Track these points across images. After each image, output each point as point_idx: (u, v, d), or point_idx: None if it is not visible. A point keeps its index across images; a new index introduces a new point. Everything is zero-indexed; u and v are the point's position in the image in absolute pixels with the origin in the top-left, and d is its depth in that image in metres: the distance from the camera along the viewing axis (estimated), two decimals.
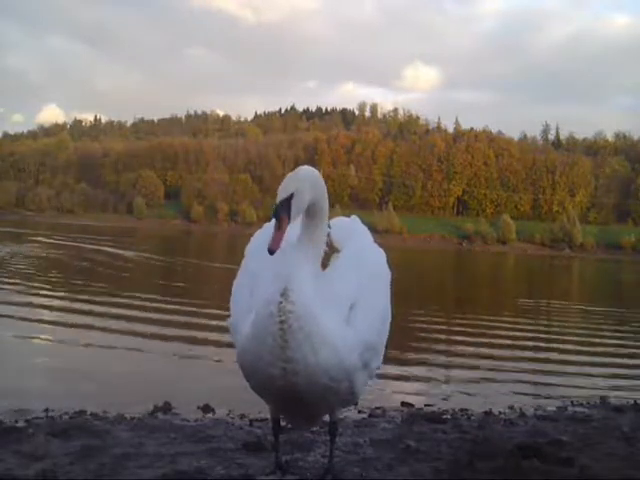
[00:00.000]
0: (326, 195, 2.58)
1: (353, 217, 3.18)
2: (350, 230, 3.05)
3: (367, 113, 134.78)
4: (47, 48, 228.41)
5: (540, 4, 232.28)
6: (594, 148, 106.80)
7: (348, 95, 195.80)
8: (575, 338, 10.75)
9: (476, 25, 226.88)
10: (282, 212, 2.38)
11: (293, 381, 2.35)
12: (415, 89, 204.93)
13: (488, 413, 5.14)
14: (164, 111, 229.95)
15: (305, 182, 2.46)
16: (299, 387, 2.37)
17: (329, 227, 2.87)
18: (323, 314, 2.42)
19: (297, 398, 2.43)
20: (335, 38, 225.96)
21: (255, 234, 3.03)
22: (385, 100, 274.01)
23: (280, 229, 2.35)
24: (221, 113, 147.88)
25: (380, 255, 2.98)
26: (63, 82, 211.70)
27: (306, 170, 2.53)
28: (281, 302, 2.34)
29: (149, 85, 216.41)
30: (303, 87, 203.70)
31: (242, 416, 4.53)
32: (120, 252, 25.50)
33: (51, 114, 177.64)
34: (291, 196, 2.40)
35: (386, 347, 2.85)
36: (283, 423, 3.00)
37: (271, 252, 2.30)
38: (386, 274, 2.93)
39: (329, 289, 2.56)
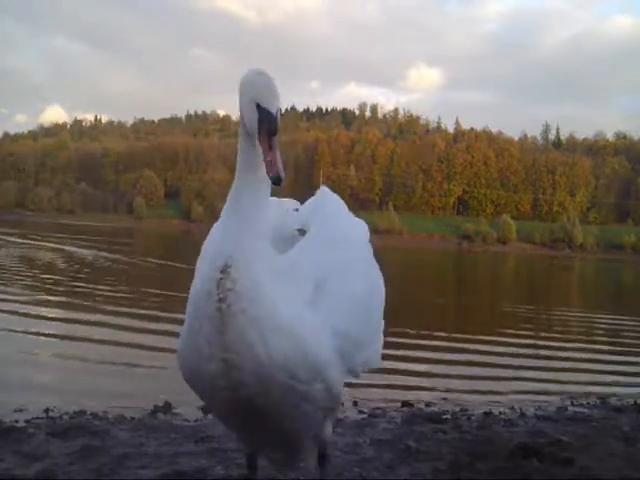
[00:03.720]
0: None
1: (321, 188, 2.63)
2: (317, 203, 2.51)
3: (367, 113, 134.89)
4: (50, 49, 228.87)
5: (542, 5, 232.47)
6: (594, 148, 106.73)
7: (350, 96, 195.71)
8: (575, 338, 10.75)
9: (478, 26, 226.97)
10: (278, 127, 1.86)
11: (238, 379, 1.84)
12: (417, 90, 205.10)
13: (488, 413, 5.14)
14: (164, 111, 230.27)
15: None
16: (248, 388, 1.85)
17: (296, 210, 2.52)
18: (277, 294, 1.91)
19: (251, 408, 1.90)
20: (338, 39, 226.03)
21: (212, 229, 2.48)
22: (388, 101, 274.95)
23: (276, 148, 1.84)
24: (221, 113, 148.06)
25: (357, 226, 2.48)
26: (66, 83, 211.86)
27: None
28: (220, 278, 1.85)
29: (150, 85, 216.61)
30: (305, 87, 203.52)
31: None
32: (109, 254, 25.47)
33: (54, 115, 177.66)
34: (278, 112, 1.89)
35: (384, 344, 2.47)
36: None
37: (279, 181, 1.81)
38: (365, 248, 2.41)
39: (288, 268, 2.06)
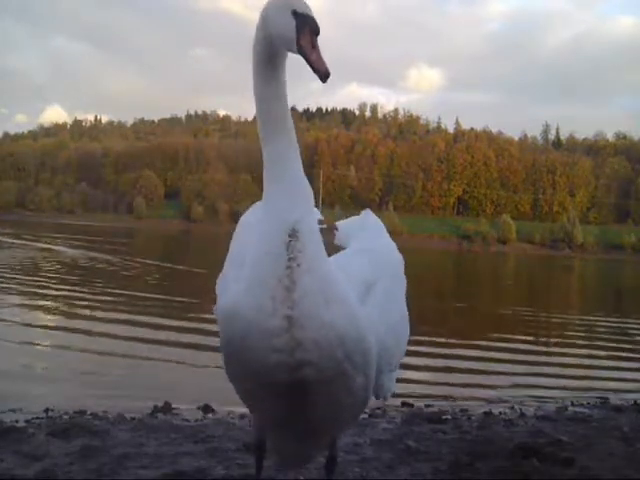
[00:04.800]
0: None
1: (366, 211, 2.68)
2: (361, 224, 2.62)
3: (367, 113, 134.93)
4: (51, 49, 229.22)
5: (543, 6, 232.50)
6: (594, 148, 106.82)
7: (351, 96, 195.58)
8: (575, 339, 10.75)
9: (479, 26, 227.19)
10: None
11: (298, 338, 1.83)
12: (418, 90, 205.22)
13: (488, 413, 5.14)
14: (164, 111, 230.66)
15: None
16: (304, 353, 1.84)
17: (336, 229, 2.56)
18: (337, 271, 1.98)
19: (297, 380, 1.87)
20: (339, 39, 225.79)
21: (253, 206, 2.53)
22: (388, 101, 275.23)
23: (318, 47, 1.91)
24: (221, 113, 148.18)
25: (399, 256, 2.51)
26: (66, 83, 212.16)
27: None
28: (290, 241, 1.89)
29: (150, 85, 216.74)
30: (306, 88, 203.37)
31: (242, 416, 4.52)
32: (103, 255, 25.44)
33: (54, 115, 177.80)
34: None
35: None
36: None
37: (327, 76, 1.87)
38: (402, 278, 2.43)
39: (338, 266, 2.08)
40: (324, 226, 2.49)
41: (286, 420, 2.04)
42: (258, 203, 2.38)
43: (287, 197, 1.96)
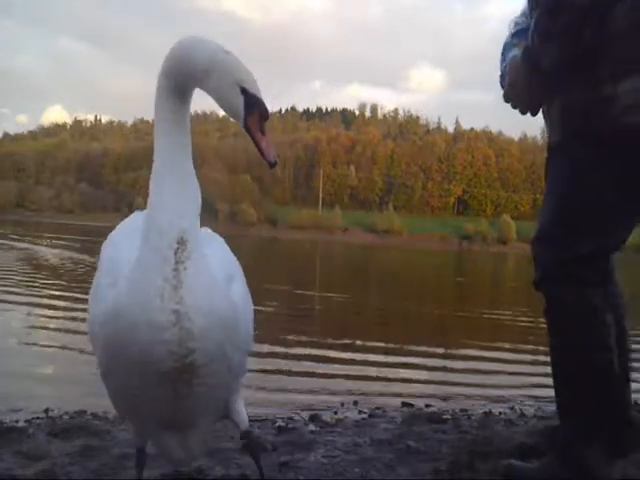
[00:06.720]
0: None
1: (204, 228, 2.56)
2: (206, 239, 2.49)
3: (367, 113, 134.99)
4: (52, 49, 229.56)
5: None
6: None
7: (353, 96, 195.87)
8: None
9: (480, 27, 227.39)
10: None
11: (187, 328, 1.91)
12: (419, 90, 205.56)
13: (488, 413, 5.14)
14: None
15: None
16: (193, 342, 1.92)
17: None
18: (217, 271, 2.11)
19: (182, 367, 1.95)
20: (341, 39, 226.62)
21: (123, 222, 2.47)
22: (389, 101, 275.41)
23: (267, 133, 1.90)
24: (221, 113, 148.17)
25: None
26: (67, 83, 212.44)
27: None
28: (177, 248, 1.93)
29: (150, 85, 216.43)
30: (308, 88, 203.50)
31: None
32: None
33: (54, 115, 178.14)
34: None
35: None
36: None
37: (276, 164, 1.88)
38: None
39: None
40: None
41: (168, 409, 2.09)
42: (136, 213, 2.45)
43: (177, 199, 1.99)
